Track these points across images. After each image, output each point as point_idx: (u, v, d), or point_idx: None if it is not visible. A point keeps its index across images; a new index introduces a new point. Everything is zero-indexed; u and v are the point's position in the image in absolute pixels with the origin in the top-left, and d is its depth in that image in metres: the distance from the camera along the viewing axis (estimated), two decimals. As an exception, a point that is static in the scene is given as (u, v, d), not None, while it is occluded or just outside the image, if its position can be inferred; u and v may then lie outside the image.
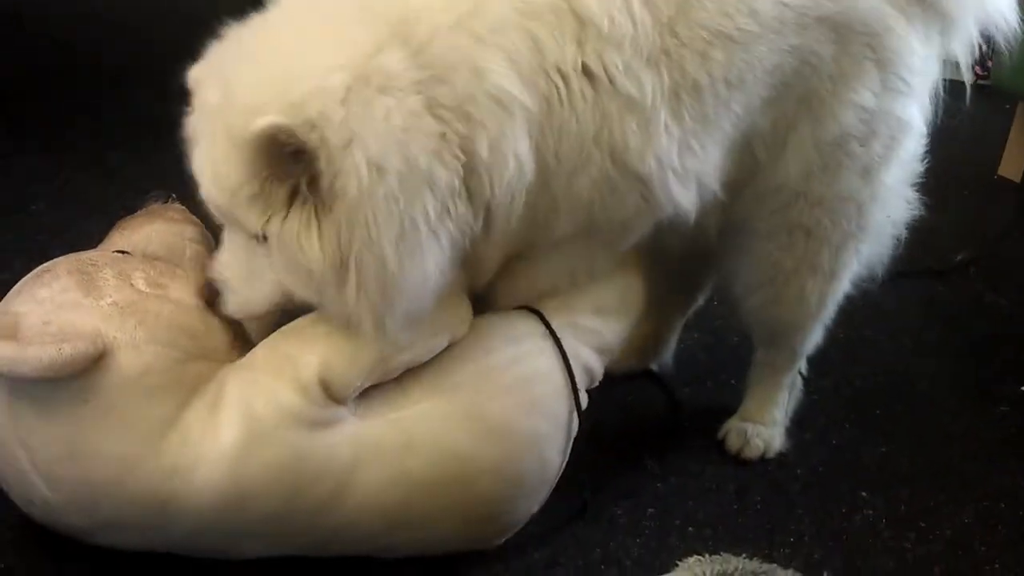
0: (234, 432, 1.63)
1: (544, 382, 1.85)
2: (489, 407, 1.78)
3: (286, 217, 1.57)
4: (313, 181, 1.53)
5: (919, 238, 2.25)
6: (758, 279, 2.12)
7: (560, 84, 1.64)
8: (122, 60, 4.09)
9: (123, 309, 1.66)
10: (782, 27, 1.80)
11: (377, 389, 1.74)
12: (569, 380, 1.87)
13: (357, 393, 1.71)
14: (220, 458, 1.63)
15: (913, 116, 1.98)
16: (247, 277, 1.71)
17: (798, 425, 2.39)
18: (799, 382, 2.36)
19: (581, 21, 1.64)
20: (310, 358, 1.66)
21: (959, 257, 3.25)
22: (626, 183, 1.74)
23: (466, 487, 1.77)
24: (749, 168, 1.96)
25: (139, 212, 1.99)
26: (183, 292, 1.74)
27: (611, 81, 1.66)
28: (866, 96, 1.90)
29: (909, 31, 1.91)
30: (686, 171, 1.79)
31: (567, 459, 1.92)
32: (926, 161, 2.12)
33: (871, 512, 2.19)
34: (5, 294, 1.76)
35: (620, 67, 1.66)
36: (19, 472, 1.68)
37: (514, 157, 1.62)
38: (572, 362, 1.88)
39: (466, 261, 1.74)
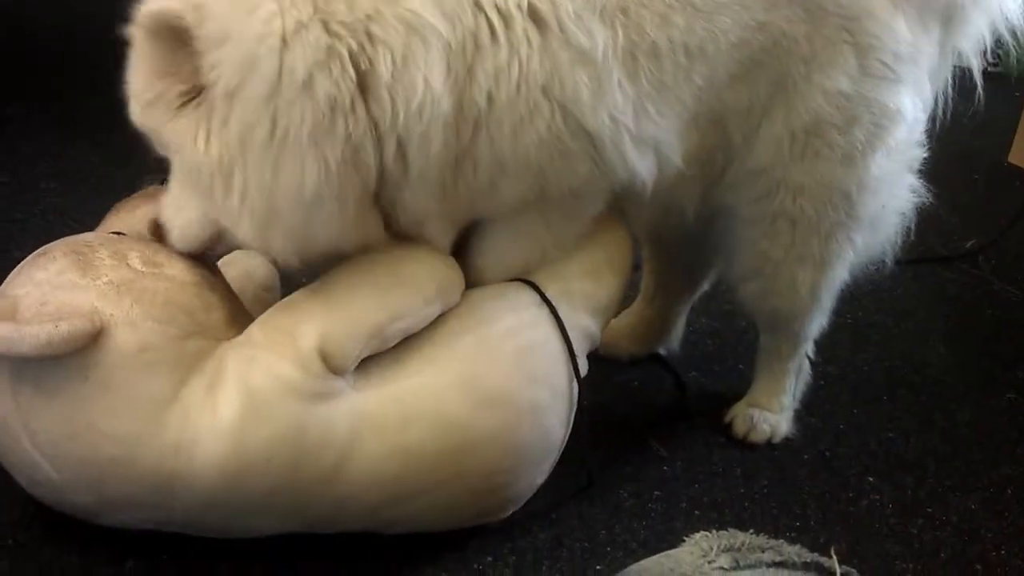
0: (233, 407, 1.64)
1: (542, 351, 1.85)
2: (488, 377, 1.78)
3: (179, 118, 1.60)
4: (200, 82, 1.56)
5: (928, 225, 2.25)
6: (748, 268, 2.12)
7: (496, 22, 1.61)
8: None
9: (119, 287, 1.67)
10: (748, 0, 1.78)
11: (375, 362, 1.74)
12: (567, 348, 1.87)
13: (356, 363, 1.71)
14: (221, 434, 1.64)
15: (903, 104, 1.95)
16: (178, 205, 1.74)
17: (805, 410, 2.39)
18: (806, 366, 2.36)
19: None
20: (307, 328, 1.68)
21: (968, 244, 3.24)
22: (576, 143, 1.71)
23: (467, 458, 1.77)
24: (724, 150, 1.95)
25: (135, 194, 2.00)
26: (179, 270, 1.75)
27: (561, 29, 1.64)
28: (842, 81, 1.88)
29: (895, 16, 1.88)
30: (642, 134, 1.76)
31: (570, 430, 1.92)
32: (934, 148, 2.11)
33: (878, 497, 2.19)
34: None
35: (571, 14, 1.63)
36: (23, 453, 1.69)
37: (424, 83, 1.58)
38: (569, 329, 1.88)
39: (390, 203, 1.72)
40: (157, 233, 1.79)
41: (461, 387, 1.76)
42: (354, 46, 1.56)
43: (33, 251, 1.79)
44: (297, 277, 2.01)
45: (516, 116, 1.66)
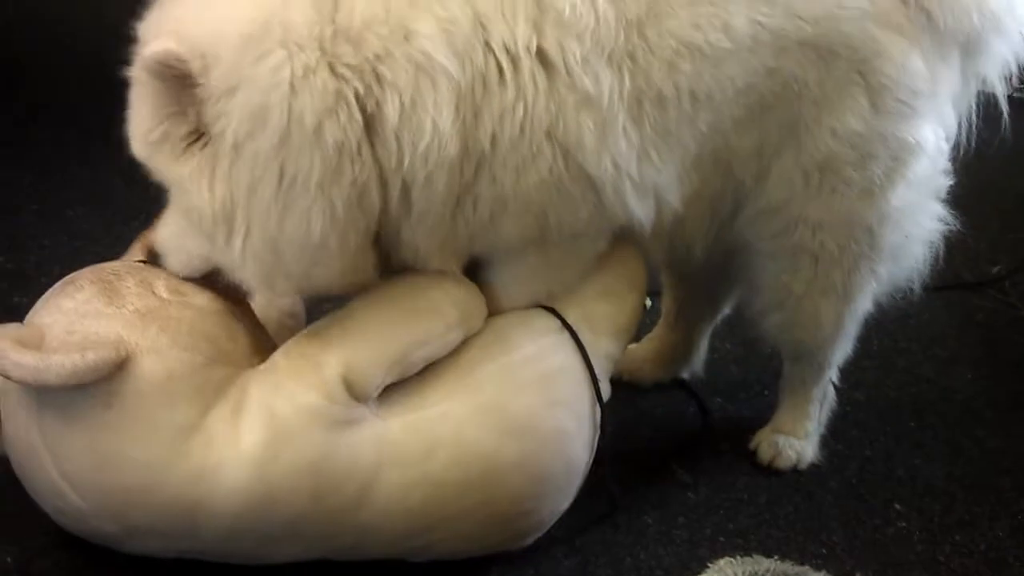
0: (257, 435, 1.64)
1: (565, 377, 1.85)
2: (511, 405, 1.78)
3: (183, 159, 1.59)
4: (205, 126, 1.56)
5: (954, 251, 2.23)
6: (770, 301, 2.11)
7: (505, 64, 1.60)
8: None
9: (145, 316, 1.68)
10: (757, 47, 1.76)
11: (398, 390, 1.75)
12: (590, 373, 1.87)
13: (379, 390, 1.72)
14: (245, 461, 1.64)
15: (922, 136, 1.93)
16: (176, 234, 1.75)
17: (831, 436, 2.38)
18: (831, 392, 2.35)
19: (540, 3, 1.61)
20: (331, 358, 1.68)
21: (995, 270, 3.22)
22: (577, 187, 1.70)
23: (491, 486, 1.77)
24: (732, 190, 1.94)
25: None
26: (204, 299, 1.76)
27: (568, 72, 1.62)
28: (852, 121, 1.86)
29: (909, 54, 1.86)
30: (643, 181, 1.75)
31: (594, 455, 1.91)
32: (960, 174, 2.10)
33: (905, 524, 2.17)
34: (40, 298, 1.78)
35: (578, 58, 1.62)
36: (49, 481, 1.70)
37: (432, 126, 1.57)
38: (591, 354, 1.88)
39: (390, 242, 1.72)
40: (152, 258, 1.79)
41: (484, 415, 1.76)
42: (360, 89, 1.55)
43: (60, 277, 1.80)
44: (321, 304, 2.01)
45: (519, 157, 1.64)
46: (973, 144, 2.12)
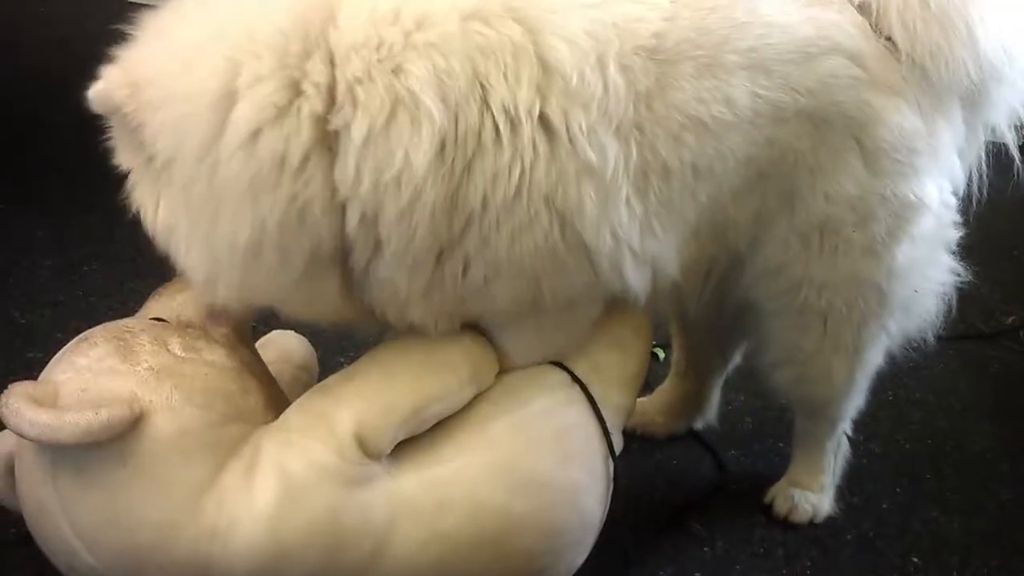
0: (270, 493, 1.64)
1: (577, 432, 1.85)
2: (524, 461, 1.77)
3: (136, 188, 1.64)
4: (148, 149, 1.57)
5: (968, 301, 2.23)
6: (780, 357, 2.10)
7: (503, 125, 1.56)
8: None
9: (159, 373, 1.68)
10: (757, 118, 1.75)
11: (411, 446, 1.74)
12: (601, 427, 1.87)
13: (391, 447, 1.71)
14: (257, 519, 1.63)
15: (924, 193, 1.90)
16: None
17: (847, 489, 2.37)
18: (846, 444, 2.34)
19: (547, 69, 1.58)
20: (343, 414, 1.68)
21: (1009, 320, 3.21)
22: (572, 257, 1.67)
23: (505, 543, 1.76)
24: (727, 255, 1.94)
25: (176, 279, 2.02)
26: (218, 355, 1.76)
27: (571, 140, 1.60)
28: (847, 185, 1.85)
29: (906, 114, 1.84)
30: (644, 253, 1.74)
31: (608, 509, 1.90)
32: (973, 225, 2.09)
33: (922, 578, 2.16)
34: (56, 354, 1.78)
35: (584, 128, 1.60)
36: (62, 539, 1.69)
37: (404, 160, 1.53)
38: (602, 406, 1.87)
39: (361, 274, 1.67)
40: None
41: (496, 472, 1.75)
42: (321, 107, 1.52)
43: (76, 332, 1.81)
44: (335, 356, 2.01)
45: (514, 221, 1.61)
46: (985, 194, 2.11)
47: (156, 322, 1.86)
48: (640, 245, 1.72)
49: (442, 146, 1.54)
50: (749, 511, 2.32)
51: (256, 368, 1.84)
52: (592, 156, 1.61)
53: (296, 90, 1.52)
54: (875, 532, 2.29)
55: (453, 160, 1.56)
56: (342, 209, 1.58)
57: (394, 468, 1.72)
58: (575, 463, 1.83)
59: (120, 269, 3.07)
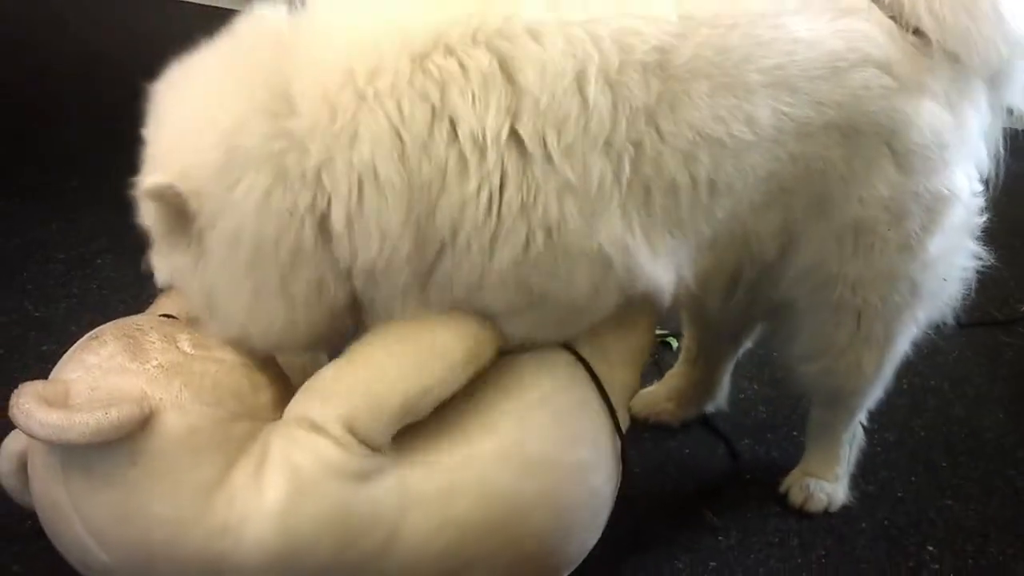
0: (279, 489, 1.64)
1: (582, 411, 1.84)
2: (529, 443, 1.77)
3: (178, 252, 1.72)
4: (198, 235, 1.65)
5: (983, 288, 2.21)
6: (810, 351, 2.09)
7: (470, 154, 1.56)
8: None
9: (168, 371, 1.68)
10: (780, 135, 1.73)
11: (415, 435, 1.74)
12: (607, 405, 1.86)
13: (389, 439, 1.70)
14: (268, 515, 1.63)
15: (956, 185, 1.90)
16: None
17: (862, 477, 2.36)
18: (860, 433, 2.33)
19: (516, 90, 1.56)
20: (331, 414, 1.68)
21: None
22: (568, 262, 1.66)
23: (516, 526, 1.76)
24: (753, 263, 1.92)
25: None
26: (228, 352, 1.76)
27: (547, 159, 1.58)
28: (881, 188, 1.84)
29: (935, 111, 1.83)
30: (648, 263, 1.72)
31: (618, 488, 1.89)
32: (990, 211, 2.07)
33: (938, 567, 2.15)
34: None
35: (558, 147, 1.58)
36: (75, 537, 1.69)
37: (380, 233, 1.58)
38: (607, 385, 1.87)
39: (367, 306, 1.74)
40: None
41: (503, 456, 1.75)
42: (309, 198, 1.58)
43: (90, 325, 1.81)
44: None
45: (486, 237, 1.61)
46: (1001, 179, 2.10)
47: (166, 318, 1.86)
48: (642, 256, 1.70)
49: (407, 202, 1.57)
50: (763, 500, 2.32)
51: (267, 363, 1.84)
52: (570, 174, 1.59)
53: (289, 187, 1.58)
54: (890, 521, 2.29)
55: (419, 210, 1.58)
56: (348, 273, 1.66)
57: (401, 457, 1.72)
58: (582, 442, 1.83)
59: (134, 262, 3.05)
